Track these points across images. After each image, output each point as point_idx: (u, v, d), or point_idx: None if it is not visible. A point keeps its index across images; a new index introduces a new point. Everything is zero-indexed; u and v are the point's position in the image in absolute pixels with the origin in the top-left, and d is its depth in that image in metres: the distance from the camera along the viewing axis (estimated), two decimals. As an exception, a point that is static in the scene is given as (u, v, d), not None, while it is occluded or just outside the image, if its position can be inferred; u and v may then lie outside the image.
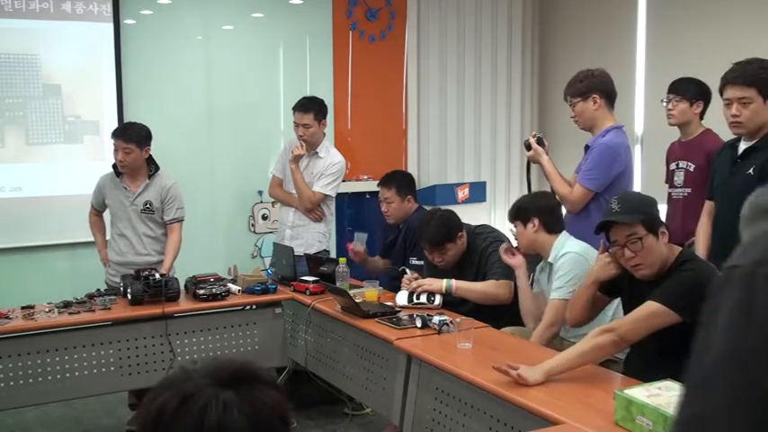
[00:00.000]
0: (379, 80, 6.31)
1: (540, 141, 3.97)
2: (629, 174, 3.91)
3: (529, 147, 3.98)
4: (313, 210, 4.86)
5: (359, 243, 4.69)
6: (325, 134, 4.95)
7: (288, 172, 4.89)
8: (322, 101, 4.91)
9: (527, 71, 6.86)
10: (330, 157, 4.88)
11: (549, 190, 4.01)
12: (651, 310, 2.68)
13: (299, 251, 4.67)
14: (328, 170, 4.84)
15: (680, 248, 2.86)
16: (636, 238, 2.77)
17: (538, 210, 3.64)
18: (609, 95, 3.87)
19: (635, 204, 2.85)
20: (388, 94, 6.37)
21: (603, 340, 2.71)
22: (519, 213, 3.68)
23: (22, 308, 3.93)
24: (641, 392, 2.31)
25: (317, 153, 4.86)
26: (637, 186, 4.54)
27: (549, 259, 3.57)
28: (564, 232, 3.63)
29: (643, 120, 5.92)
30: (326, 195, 4.86)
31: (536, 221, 3.60)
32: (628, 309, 2.94)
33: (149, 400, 1.11)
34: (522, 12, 6.79)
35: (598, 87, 3.84)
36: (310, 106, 4.82)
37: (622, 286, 3.02)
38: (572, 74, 3.95)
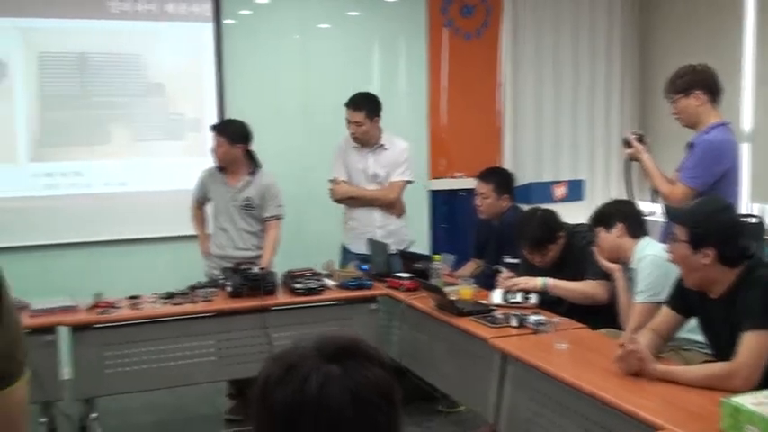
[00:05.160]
0: (474, 77, 6.27)
1: (640, 139, 3.88)
2: (735, 173, 3.78)
3: (628, 144, 3.89)
4: (396, 201, 4.87)
5: (445, 264, 4.59)
6: (380, 129, 4.89)
7: (351, 170, 4.90)
8: (375, 97, 4.87)
9: (627, 65, 6.67)
10: (397, 145, 4.90)
11: (649, 188, 3.91)
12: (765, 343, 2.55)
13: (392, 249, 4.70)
14: (400, 157, 4.88)
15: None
16: (673, 239, 2.82)
17: (623, 215, 3.57)
18: (712, 91, 3.74)
19: (699, 215, 2.79)
20: (483, 91, 6.32)
21: (729, 386, 2.51)
22: (602, 219, 3.62)
23: (129, 297, 4.10)
24: (748, 399, 2.23)
25: (382, 145, 4.87)
26: (744, 187, 4.35)
27: (632, 265, 3.49)
28: (646, 237, 3.54)
29: (752, 116, 5.67)
30: (407, 181, 4.88)
31: (620, 226, 3.53)
32: (705, 327, 2.89)
33: (261, 370, 1.15)
34: (622, 3, 6.62)
35: (700, 83, 3.72)
36: (362, 104, 4.78)
37: (694, 305, 2.90)
38: (675, 67, 3.83)
